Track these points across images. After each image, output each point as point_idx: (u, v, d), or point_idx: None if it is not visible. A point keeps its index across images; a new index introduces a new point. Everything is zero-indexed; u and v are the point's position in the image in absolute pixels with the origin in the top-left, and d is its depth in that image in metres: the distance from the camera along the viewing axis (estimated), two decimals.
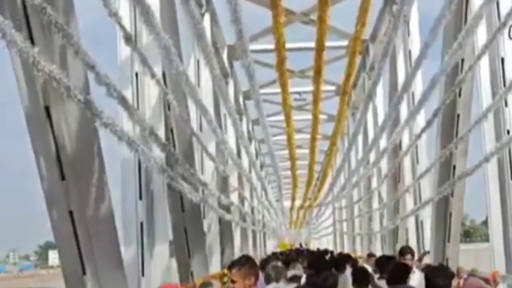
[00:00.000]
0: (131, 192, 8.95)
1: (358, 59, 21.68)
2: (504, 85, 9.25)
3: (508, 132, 9.25)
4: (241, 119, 25.02)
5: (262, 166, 37.66)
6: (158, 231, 9.09)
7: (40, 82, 5.74)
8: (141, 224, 8.93)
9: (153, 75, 8.39)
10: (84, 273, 6.45)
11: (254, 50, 19.67)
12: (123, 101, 6.47)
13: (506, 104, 9.35)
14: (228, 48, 19.86)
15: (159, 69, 9.45)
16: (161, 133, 9.38)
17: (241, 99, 25.06)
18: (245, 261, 5.00)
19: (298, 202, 44.44)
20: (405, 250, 9.27)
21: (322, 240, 51.27)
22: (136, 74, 9.20)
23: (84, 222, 6.34)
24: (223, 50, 19.67)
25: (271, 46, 14.42)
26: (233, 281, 4.91)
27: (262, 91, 24.75)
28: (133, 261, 8.81)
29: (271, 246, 44.56)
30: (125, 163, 9.03)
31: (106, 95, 6.16)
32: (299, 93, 24.43)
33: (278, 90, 19.98)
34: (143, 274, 8.82)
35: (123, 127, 7.29)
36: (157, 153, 8.91)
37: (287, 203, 47.27)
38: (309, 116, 23.96)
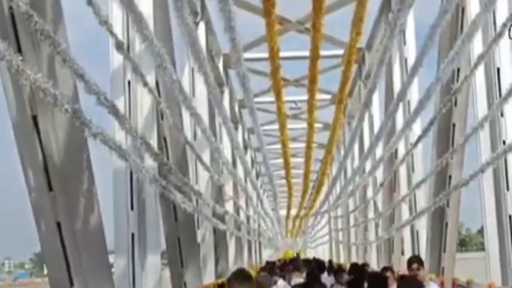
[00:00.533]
0: (122, 203, 8.82)
1: (354, 68, 21.66)
2: (500, 95, 9.17)
3: (504, 142, 9.16)
4: (236, 128, 24.92)
5: (258, 175, 37.52)
6: (150, 243, 8.94)
7: (27, 91, 5.63)
8: (132, 235, 8.78)
9: (145, 84, 8.27)
10: (71, 284, 6.32)
11: (249, 59, 19.64)
12: (113, 109, 6.35)
13: (502, 115, 9.26)
14: (223, 56, 19.78)
15: (152, 78, 9.34)
16: (154, 142, 9.27)
17: (236, 108, 24.97)
18: (235, 276, 4.92)
19: (294, 211, 44.31)
20: (411, 260, 8.11)
21: (318, 249, 51.08)
22: (129, 83, 9.07)
23: (72, 233, 6.22)
24: (218, 58, 19.59)
25: (266, 55, 14.35)
26: None
27: (257, 99, 24.70)
28: (124, 273, 8.67)
29: (267, 256, 44.34)
30: (117, 173, 8.89)
31: (96, 103, 6.06)
32: (295, 102, 24.34)
33: (273, 98, 19.89)
34: (134, 287, 8.68)
35: (114, 136, 7.22)
36: (150, 163, 8.80)
37: (283, 212, 47.14)
38: (304, 125, 23.87)
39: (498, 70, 9.31)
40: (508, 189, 9.34)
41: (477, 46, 9.51)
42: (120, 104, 8.77)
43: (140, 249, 8.79)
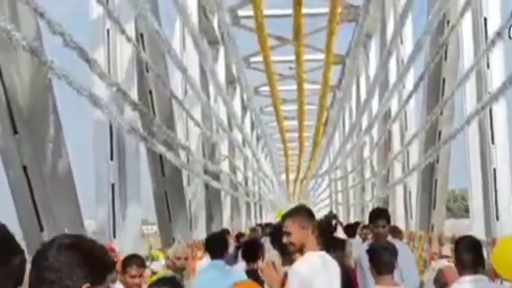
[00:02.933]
0: (102, 153, 8.74)
1: (351, 26, 21.42)
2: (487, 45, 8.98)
3: (489, 93, 9.00)
4: (234, 88, 24.79)
5: (258, 138, 37.36)
6: (130, 193, 8.89)
7: None
8: (113, 185, 8.72)
9: (122, 31, 8.12)
10: (41, 229, 6.27)
11: (244, 16, 19.50)
12: (82, 52, 6.21)
13: (488, 66, 9.10)
14: (218, 14, 19.48)
15: (132, 26, 9.17)
16: (134, 93, 9.16)
17: (234, 68, 24.71)
18: (301, 211, 4.09)
19: (293, 176, 44.30)
20: (376, 214, 6.19)
21: (320, 212, 51.17)
22: (108, 31, 8.92)
23: (40, 177, 6.15)
24: (213, 17, 19.30)
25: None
26: (287, 233, 3.96)
27: (255, 59, 24.54)
28: (105, 222, 8.64)
29: (269, 219, 44.35)
30: (97, 123, 8.80)
31: (62, 45, 5.94)
32: (292, 61, 24.05)
33: (272, 58, 19.69)
34: (114, 236, 8.65)
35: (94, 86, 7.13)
36: (131, 114, 8.72)
37: (284, 177, 47.16)
38: (304, 86, 23.69)
39: (485, 20, 9.10)
40: (493, 142, 9.22)
41: None
42: (100, 54, 8.66)
43: (120, 200, 8.74)
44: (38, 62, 5.30)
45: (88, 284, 1.97)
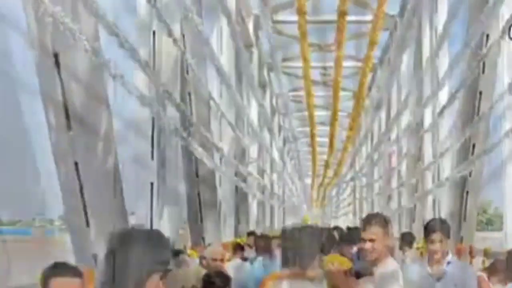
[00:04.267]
0: (143, 152, 8.92)
1: (384, 35, 21.41)
2: None
3: None
4: (264, 91, 24.93)
5: (285, 142, 37.44)
6: (168, 192, 9.06)
7: (50, 29, 5.69)
8: (152, 184, 8.90)
9: (170, 33, 8.29)
10: (87, 225, 6.43)
11: (280, 21, 19.64)
12: (134, 53, 6.40)
13: None
14: (254, 17, 19.68)
15: (177, 28, 9.35)
16: (177, 93, 9.32)
17: (265, 71, 24.85)
18: (383, 218, 4.22)
19: (319, 180, 44.23)
20: (431, 226, 4.92)
21: (342, 219, 51.08)
22: (154, 33, 9.09)
23: (90, 174, 6.32)
24: (248, 19, 19.48)
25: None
26: (372, 240, 4.05)
27: (287, 64, 24.68)
28: (143, 220, 8.81)
29: (292, 223, 44.27)
30: (139, 123, 8.98)
31: (118, 46, 6.13)
32: (324, 67, 24.15)
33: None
34: None
35: (137, 85, 7.31)
36: (172, 114, 8.89)
37: (307, 181, 47.11)
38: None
39: None
40: None
41: (507, 11, 9.32)
42: (145, 54, 8.83)
43: (158, 199, 8.91)
44: (97, 62, 5.48)
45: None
